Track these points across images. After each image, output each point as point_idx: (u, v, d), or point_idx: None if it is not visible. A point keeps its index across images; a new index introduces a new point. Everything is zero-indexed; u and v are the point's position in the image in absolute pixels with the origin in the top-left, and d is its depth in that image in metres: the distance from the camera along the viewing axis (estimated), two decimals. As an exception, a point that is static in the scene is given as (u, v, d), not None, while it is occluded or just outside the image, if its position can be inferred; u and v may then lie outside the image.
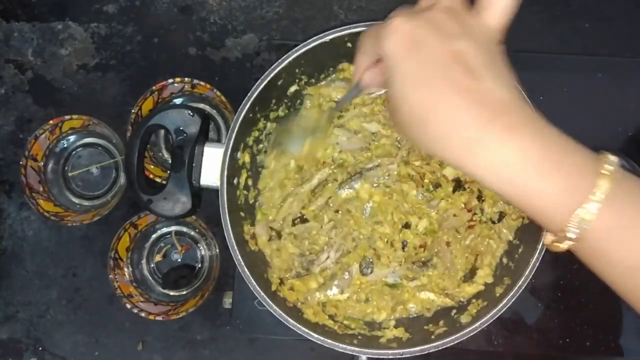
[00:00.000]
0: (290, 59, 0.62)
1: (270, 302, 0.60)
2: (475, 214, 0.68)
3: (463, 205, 0.68)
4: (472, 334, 0.58)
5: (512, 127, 0.36)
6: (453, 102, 0.36)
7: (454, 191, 0.68)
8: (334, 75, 0.71)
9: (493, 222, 0.68)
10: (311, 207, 0.68)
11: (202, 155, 0.62)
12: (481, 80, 0.36)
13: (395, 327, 0.66)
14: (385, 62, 0.39)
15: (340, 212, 0.68)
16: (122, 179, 0.80)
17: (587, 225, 0.35)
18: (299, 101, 0.71)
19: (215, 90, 0.76)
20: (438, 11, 0.38)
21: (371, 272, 0.67)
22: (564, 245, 0.38)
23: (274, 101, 0.68)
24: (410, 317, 0.67)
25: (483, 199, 0.68)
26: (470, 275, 0.67)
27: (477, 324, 0.58)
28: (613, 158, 0.37)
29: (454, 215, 0.67)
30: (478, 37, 0.38)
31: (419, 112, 0.37)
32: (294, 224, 0.68)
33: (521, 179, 0.36)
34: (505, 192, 0.37)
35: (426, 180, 0.68)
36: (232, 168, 0.63)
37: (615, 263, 0.37)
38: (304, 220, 0.68)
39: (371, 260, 0.67)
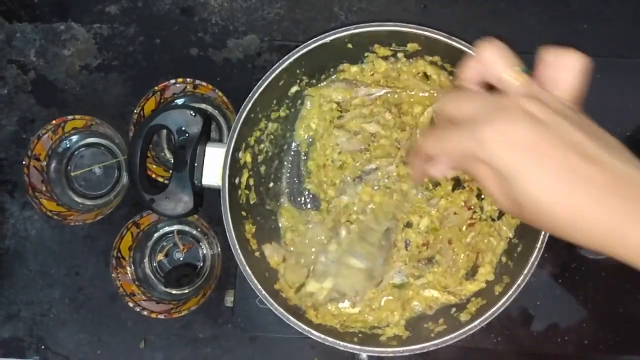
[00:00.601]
0: (291, 59, 0.62)
1: (271, 301, 0.60)
2: (475, 212, 0.68)
3: (463, 204, 0.68)
4: (471, 332, 0.59)
5: None
6: (584, 192, 0.35)
7: (453, 189, 0.69)
8: (334, 76, 0.71)
9: (493, 220, 0.68)
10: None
11: (204, 155, 0.62)
12: (604, 165, 0.35)
13: (396, 325, 0.67)
14: (499, 172, 0.36)
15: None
16: (125, 179, 0.80)
17: None
18: (299, 101, 0.71)
19: (216, 90, 0.77)
20: (521, 100, 0.37)
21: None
22: None
23: (275, 101, 0.68)
24: (413, 315, 0.67)
25: (482, 197, 0.69)
26: (472, 273, 0.68)
27: (476, 322, 0.59)
28: None
29: (455, 214, 0.68)
30: (567, 113, 0.37)
31: (555, 213, 0.36)
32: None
33: None
34: None
35: (425, 179, 0.68)
36: (234, 168, 0.63)
37: None
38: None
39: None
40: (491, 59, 0.39)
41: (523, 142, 0.35)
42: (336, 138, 0.70)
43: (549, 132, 0.35)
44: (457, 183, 0.69)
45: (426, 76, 0.70)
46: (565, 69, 0.39)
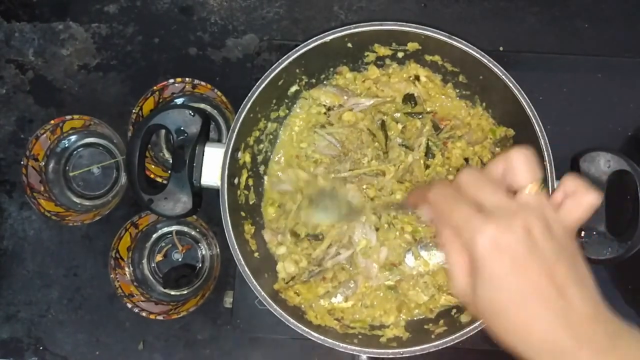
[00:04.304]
0: (290, 59, 0.62)
1: (270, 302, 0.60)
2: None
3: None
4: (471, 334, 0.58)
5: (596, 350, 0.38)
6: (546, 320, 0.38)
7: None
8: (333, 76, 0.71)
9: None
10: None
11: (203, 155, 0.62)
12: (570, 299, 0.39)
13: (396, 326, 0.66)
14: (475, 260, 0.40)
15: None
16: (123, 179, 0.80)
17: None
18: (299, 101, 0.71)
19: (216, 90, 0.76)
20: (528, 214, 0.40)
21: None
22: None
23: (274, 101, 0.68)
24: (414, 318, 0.67)
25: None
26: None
27: (477, 323, 0.58)
28: None
29: None
30: (562, 241, 0.41)
31: (509, 321, 0.40)
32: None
33: None
34: None
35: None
36: (233, 168, 0.63)
37: None
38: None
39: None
40: (517, 167, 0.42)
41: (510, 254, 0.39)
42: (315, 139, 0.70)
43: (538, 256, 0.39)
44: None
45: (417, 79, 0.70)
46: (580, 203, 0.43)
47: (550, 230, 0.40)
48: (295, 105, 0.71)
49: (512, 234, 0.39)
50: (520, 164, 0.42)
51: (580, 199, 0.42)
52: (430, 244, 0.67)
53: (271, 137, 0.70)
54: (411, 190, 0.64)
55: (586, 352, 0.38)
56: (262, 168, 0.70)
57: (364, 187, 0.68)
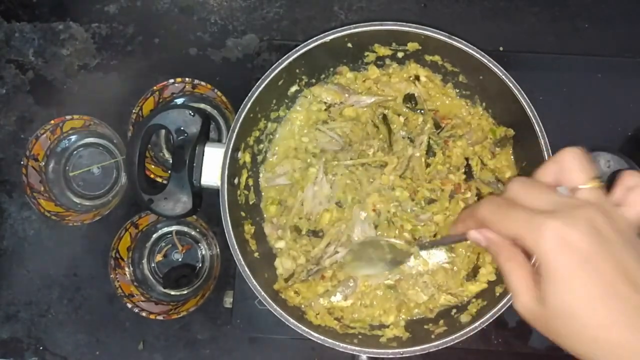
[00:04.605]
0: (290, 59, 0.62)
1: (270, 302, 0.60)
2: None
3: None
4: (472, 334, 0.58)
5: None
6: (622, 317, 0.36)
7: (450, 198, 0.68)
8: (333, 76, 0.71)
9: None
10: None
11: (203, 155, 0.62)
12: None
13: (396, 326, 0.66)
14: (541, 265, 0.37)
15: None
16: (123, 179, 0.80)
17: None
18: (299, 99, 0.71)
19: (215, 90, 0.76)
20: (590, 208, 0.37)
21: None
22: None
23: (274, 101, 0.68)
24: (413, 318, 0.67)
25: (482, 197, 0.68)
26: (472, 274, 0.67)
27: (477, 324, 0.58)
28: None
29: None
30: (627, 235, 0.38)
31: (585, 325, 0.36)
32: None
33: None
34: None
35: (419, 196, 0.68)
36: (233, 168, 0.63)
37: None
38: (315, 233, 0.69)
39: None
40: (571, 167, 0.40)
41: (578, 250, 0.36)
42: (317, 135, 0.70)
43: (607, 249, 0.36)
44: (452, 196, 0.68)
45: (417, 79, 0.70)
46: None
47: (615, 225, 0.37)
48: (295, 104, 0.71)
49: (578, 228, 0.36)
50: (574, 163, 0.40)
51: None
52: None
53: (271, 137, 0.70)
54: (459, 214, 0.58)
55: None
56: (262, 168, 0.70)
57: (377, 206, 0.67)
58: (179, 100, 0.80)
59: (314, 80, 0.70)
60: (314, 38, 0.62)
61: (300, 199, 0.68)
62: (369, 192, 0.67)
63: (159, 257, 0.81)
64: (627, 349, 0.35)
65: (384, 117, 0.70)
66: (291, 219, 0.68)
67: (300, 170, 0.68)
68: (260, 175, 0.70)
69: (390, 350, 0.60)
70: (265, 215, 0.70)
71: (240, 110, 0.61)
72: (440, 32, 0.61)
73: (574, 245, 0.36)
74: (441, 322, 0.64)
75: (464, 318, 0.62)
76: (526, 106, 0.60)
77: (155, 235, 0.81)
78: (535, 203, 0.38)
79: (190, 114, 0.61)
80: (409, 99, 0.70)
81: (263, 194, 0.70)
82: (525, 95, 0.60)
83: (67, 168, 0.82)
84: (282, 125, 0.71)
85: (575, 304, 0.36)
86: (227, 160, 0.61)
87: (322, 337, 0.59)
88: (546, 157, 0.59)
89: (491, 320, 0.58)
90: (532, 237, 0.37)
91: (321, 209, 0.67)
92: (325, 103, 0.71)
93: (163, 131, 0.81)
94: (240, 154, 0.65)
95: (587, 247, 0.36)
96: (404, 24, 0.62)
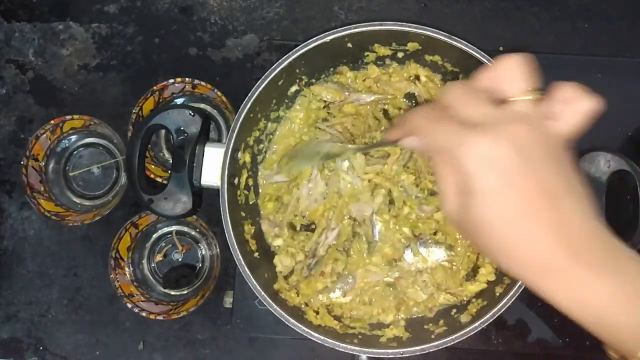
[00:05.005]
0: (290, 59, 0.62)
1: (270, 302, 0.60)
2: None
3: None
4: (472, 334, 0.58)
5: (594, 266, 0.36)
6: (539, 234, 0.36)
7: None
8: (333, 75, 0.71)
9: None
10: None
11: (203, 155, 0.62)
12: (563, 212, 0.36)
13: (395, 326, 0.66)
14: (464, 178, 0.37)
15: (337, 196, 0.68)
16: (123, 179, 0.80)
17: None
18: (298, 99, 0.71)
19: (215, 90, 0.76)
20: (517, 124, 0.37)
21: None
22: None
23: (274, 101, 0.68)
24: (413, 317, 0.67)
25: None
26: (472, 274, 0.67)
27: (477, 324, 0.58)
28: None
29: None
30: (553, 152, 0.38)
31: (502, 238, 0.37)
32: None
33: (602, 314, 0.36)
34: (580, 319, 0.37)
35: (422, 186, 0.68)
36: (233, 168, 0.63)
37: None
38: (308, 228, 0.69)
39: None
40: (509, 76, 0.39)
41: (500, 167, 0.36)
42: (317, 133, 0.70)
43: (529, 167, 0.36)
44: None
45: (418, 79, 0.70)
46: (578, 109, 0.39)
47: (543, 141, 0.37)
48: (294, 104, 0.71)
49: (501, 145, 0.36)
50: (513, 72, 0.39)
51: (577, 106, 0.38)
52: (430, 241, 0.67)
53: (271, 137, 0.70)
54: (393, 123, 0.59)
55: (582, 271, 0.35)
56: (260, 166, 0.70)
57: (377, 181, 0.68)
58: (179, 100, 0.80)
59: (314, 80, 0.70)
60: (314, 38, 0.62)
61: (295, 196, 0.68)
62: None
63: (159, 257, 0.81)
64: (542, 265, 0.36)
65: (385, 112, 0.70)
66: (287, 216, 0.68)
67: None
68: (259, 173, 0.70)
69: (390, 350, 0.60)
70: (262, 212, 0.70)
71: (240, 110, 0.61)
72: (440, 32, 0.61)
73: (496, 162, 0.36)
74: (441, 322, 0.64)
75: (464, 318, 0.62)
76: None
77: (155, 235, 0.81)
78: (467, 112, 0.38)
79: (190, 114, 0.61)
80: (409, 98, 0.70)
81: (261, 190, 0.70)
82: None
83: (67, 168, 0.82)
84: (282, 124, 0.71)
85: (495, 219, 0.37)
86: (227, 160, 0.61)
87: (322, 337, 0.59)
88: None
89: (491, 320, 0.58)
90: (456, 152, 0.37)
91: (316, 205, 0.67)
92: (324, 101, 0.71)
93: (163, 131, 0.81)
94: (240, 154, 0.65)
95: (509, 165, 0.36)
96: (404, 24, 0.62)
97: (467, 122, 0.38)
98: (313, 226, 0.68)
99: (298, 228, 0.68)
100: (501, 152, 0.36)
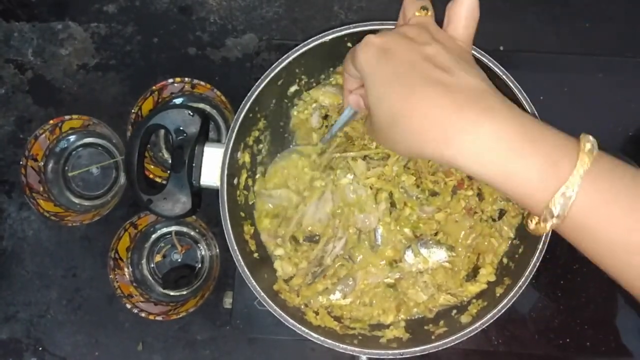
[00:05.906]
0: (290, 58, 0.62)
1: (270, 302, 0.60)
2: (475, 212, 0.68)
3: (464, 211, 0.67)
4: (472, 334, 0.58)
5: (487, 109, 0.37)
6: (426, 93, 0.38)
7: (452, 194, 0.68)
8: (332, 76, 0.71)
9: (494, 220, 0.67)
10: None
11: (202, 155, 0.62)
12: (452, 73, 0.39)
13: (396, 326, 0.66)
14: (362, 76, 0.42)
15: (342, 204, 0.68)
16: (122, 179, 0.80)
17: (570, 202, 0.36)
18: (296, 103, 0.71)
19: (215, 90, 0.76)
20: (408, 26, 0.43)
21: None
22: (548, 225, 0.38)
23: (274, 101, 0.68)
24: (413, 318, 0.67)
25: (483, 197, 0.68)
26: (472, 274, 0.67)
27: (477, 324, 0.58)
28: (591, 138, 0.38)
29: (456, 221, 0.67)
30: (447, 43, 0.42)
31: (394, 110, 0.40)
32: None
33: (501, 160, 0.37)
34: (487, 178, 0.38)
35: (423, 186, 0.67)
36: (232, 168, 0.63)
37: (600, 239, 0.37)
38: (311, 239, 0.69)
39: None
40: (405, 5, 0.46)
41: (384, 47, 0.41)
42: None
43: (412, 43, 0.41)
44: (454, 192, 0.68)
45: None
46: (459, 10, 0.44)
47: (427, 32, 0.42)
48: (293, 109, 0.71)
49: (385, 37, 0.41)
50: (406, 3, 0.46)
51: (457, 7, 0.44)
52: (431, 242, 0.67)
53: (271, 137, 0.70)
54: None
55: (470, 113, 0.37)
56: (260, 168, 0.70)
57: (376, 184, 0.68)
58: (178, 100, 0.80)
59: (313, 80, 0.70)
60: (314, 38, 0.62)
61: (301, 212, 0.67)
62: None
63: (158, 258, 0.80)
64: (433, 124, 0.38)
65: None
66: (290, 231, 0.67)
67: (301, 188, 0.68)
68: (255, 187, 0.70)
69: (390, 351, 0.60)
70: (259, 227, 0.69)
71: (239, 110, 0.61)
72: (441, 31, 0.61)
73: (379, 46, 0.41)
74: (441, 322, 0.64)
75: (465, 319, 0.62)
76: (527, 106, 0.59)
77: (154, 236, 0.81)
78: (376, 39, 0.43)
79: (189, 113, 0.61)
80: None
81: (256, 206, 0.69)
82: (525, 95, 0.60)
83: (66, 168, 0.81)
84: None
85: (394, 104, 0.39)
86: (227, 160, 0.61)
87: (322, 338, 0.59)
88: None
89: (491, 321, 0.58)
90: (356, 51, 0.43)
91: (319, 225, 0.67)
92: (323, 107, 0.71)
93: (162, 131, 0.81)
94: (239, 154, 0.64)
95: (390, 45, 0.41)
96: (404, 23, 0.62)
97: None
98: (317, 237, 0.68)
99: (301, 240, 0.68)
100: (385, 41, 0.41)
